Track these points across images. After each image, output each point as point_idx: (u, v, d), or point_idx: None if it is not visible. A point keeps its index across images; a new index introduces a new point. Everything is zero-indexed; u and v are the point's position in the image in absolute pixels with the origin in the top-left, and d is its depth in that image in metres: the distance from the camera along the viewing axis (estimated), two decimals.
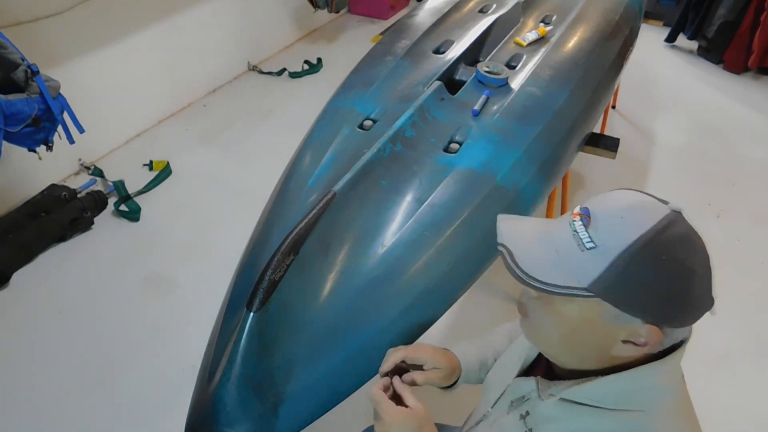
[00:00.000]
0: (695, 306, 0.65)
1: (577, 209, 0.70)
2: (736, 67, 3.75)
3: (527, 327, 0.77)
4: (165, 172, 2.67)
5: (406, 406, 0.84)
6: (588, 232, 0.66)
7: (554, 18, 2.01)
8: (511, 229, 0.75)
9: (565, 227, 0.69)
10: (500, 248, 0.72)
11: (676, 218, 0.66)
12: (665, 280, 0.63)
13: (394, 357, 0.93)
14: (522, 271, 0.68)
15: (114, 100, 2.74)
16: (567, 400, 0.71)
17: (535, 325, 0.75)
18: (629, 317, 0.65)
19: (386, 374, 0.92)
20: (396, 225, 1.20)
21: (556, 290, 0.66)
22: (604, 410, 0.68)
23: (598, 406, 0.68)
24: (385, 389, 0.88)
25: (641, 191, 0.71)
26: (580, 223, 0.68)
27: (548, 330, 0.73)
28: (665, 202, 0.68)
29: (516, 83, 1.62)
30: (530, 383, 0.78)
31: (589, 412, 0.68)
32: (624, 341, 0.67)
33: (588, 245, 0.66)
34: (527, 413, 0.75)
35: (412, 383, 0.92)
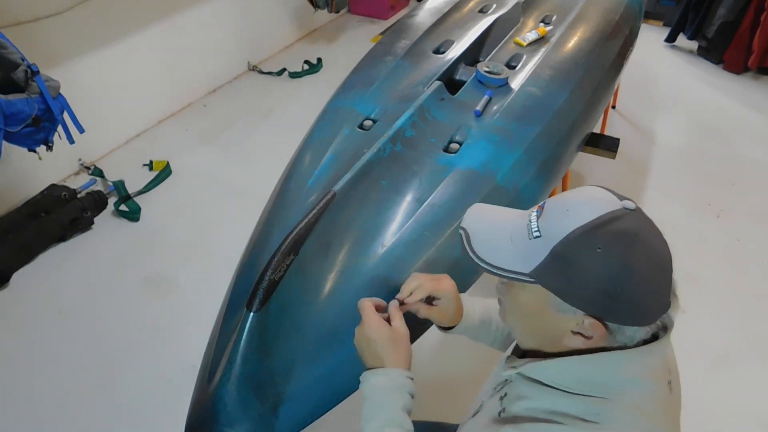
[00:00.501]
0: (638, 305, 0.67)
1: (541, 202, 0.75)
2: (736, 67, 3.75)
3: (501, 312, 0.84)
4: (165, 172, 2.67)
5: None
6: (538, 223, 0.71)
7: (554, 18, 2.01)
8: (477, 215, 0.81)
9: (524, 217, 0.75)
10: (460, 231, 0.79)
11: (624, 215, 0.67)
12: (599, 272, 0.65)
13: (418, 293, 0.96)
14: (474, 253, 0.75)
15: (114, 100, 2.74)
16: (537, 381, 0.74)
17: (503, 311, 0.82)
18: (571, 307, 0.68)
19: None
20: (396, 225, 1.20)
21: (503, 273, 0.72)
22: (568, 393, 0.71)
23: (561, 389, 0.71)
24: (378, 307, 0.93)
25: (606, 188, 0.73)
26: (535, 214, 0.73)
27: (511, 315, 0.80)
28: (623, 200, 0.70)
29: (516, 83, 1.62)
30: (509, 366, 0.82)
31: (555, 394, 0.72)
32: (573, 332, 0.70)
33: (535, 234, 0.71)
34: (506, 394, 0.79)
35: (416, 312, 0.97)
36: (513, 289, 0.76)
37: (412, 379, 0.87)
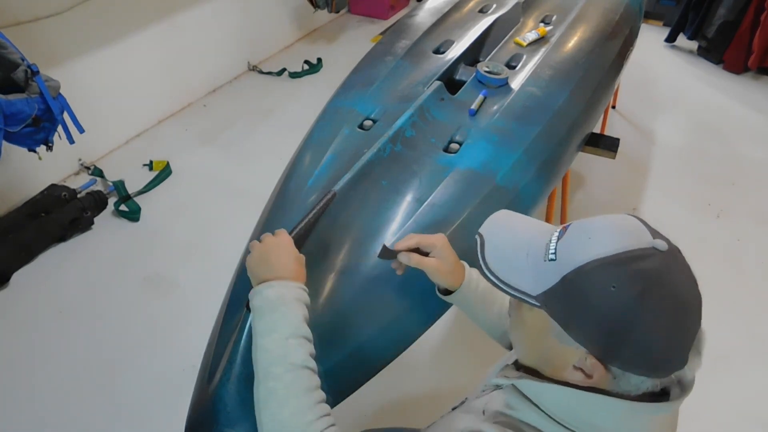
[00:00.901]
0: (645, 354, 0.62)
1: (568, 223, 0.71)
2: (736, 67, 3.75)
3: (508, 326, 0.80)
4: (165, 172, 2.67)
5: None
6: (557, 245, 0.67)
7: (554, 18, 2.01)
8: (498, 223, 0.77)
9: (546, 235, 0.70)
10: (477, 236, 0.76)
11: (651, 255, 0.61)
12: (608, 311, 0.61)
13: (405, 240, 0.96)
14: (485, 263, 0.72)
15: (114, 100, 2.74)
16: (525, 396, 0.71)
17: (510, 324, 0.79)
18: (573, 340, 0.64)
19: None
20: (396, 225, 1.20)
21: (509, 291, 0.69)
22: (550, 418, 0.68)
23: (552, 416, 0.68)
24: None
25: (642, 221, 0.67)
26: (557, 234, 0.68)
27: (516, 331, 0.77)
28: (657, 238, 0.64)
29: (516, 83, 1.62)
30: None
31: (544, 417, 0.69)
32: (575, 367, 0.66)
33: (551, 256, 0.66)
34: (493, 398, 0.76)
35: (409, 263, 0.96)
36: (522, 307, 0.72)
37: (306, 291, 0.86)
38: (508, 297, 1.00)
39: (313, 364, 0.79)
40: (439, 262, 0.95)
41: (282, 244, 0.89)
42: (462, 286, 0.98)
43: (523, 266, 0.69)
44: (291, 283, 0.83)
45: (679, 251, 0.64)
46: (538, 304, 0.66)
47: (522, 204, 1.37)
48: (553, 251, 0.66)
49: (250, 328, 0.98)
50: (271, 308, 0.80)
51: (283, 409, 0.74)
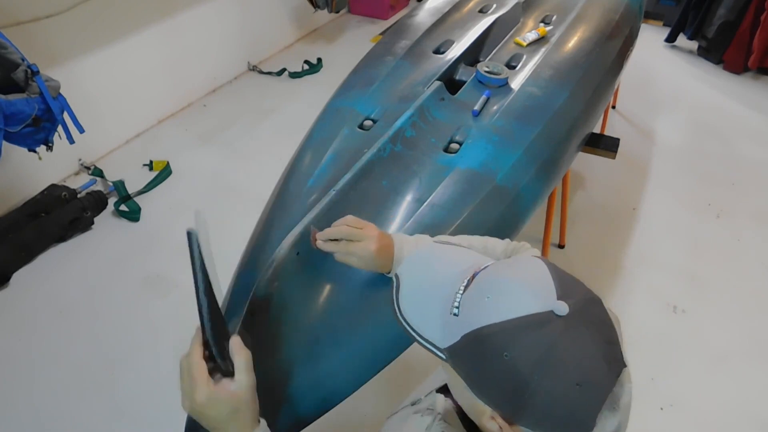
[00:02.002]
0: (546, 420, 0.57)
1: (477, 270, 0.65)
2: (736, 67, 3.75)
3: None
4: (165, 172, 2.67)
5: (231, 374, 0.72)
6: (461, 298, 0.63)
7: (554, 18, 2.01)
8: (415, 265, 0.72)
9: (459, 281, 0.65)
10: (394, 277, 0.71)
11: (548, 321, 0.57)
12: (503, 379, 0.58)
13: (329, 231, 0.95)
14: (399, 308, 0.68)
15: (114, 100, 2.74)
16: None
17: (442, 364, 0.73)
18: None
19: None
20: (396, 225, 1.20)
21: (420, 340, 0.65)
22: None
23: None
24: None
25: (551, 270, 0.62)
26: (464, 285, 0.64)
27: (445, 373, 0.71)
28: (562, 298, 0.58)
29: (516, 83, 1.62)
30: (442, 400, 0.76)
31: None
32: (491, 416, 0.62)
33: (454, 311, 0.63)
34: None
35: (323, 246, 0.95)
36: None
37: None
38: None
39: None
40: (358, 261, 0.93)
41: (231, 397, 0.71)
42: (394, 265, 0.95)
43: (434, 315, 0.64)
44: None
45: (586, 310, 0.58)
46: (445, 358, 0.63)
47: (522, 204, 1.37)
48: (457, 305, 0.63)
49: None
50: None
51: None
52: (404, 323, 0.67)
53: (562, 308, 0.57)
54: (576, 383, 0.56)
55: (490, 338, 0.58)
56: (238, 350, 0.74)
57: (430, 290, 0.67)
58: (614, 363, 0.58)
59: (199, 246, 0.73)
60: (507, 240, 1.01)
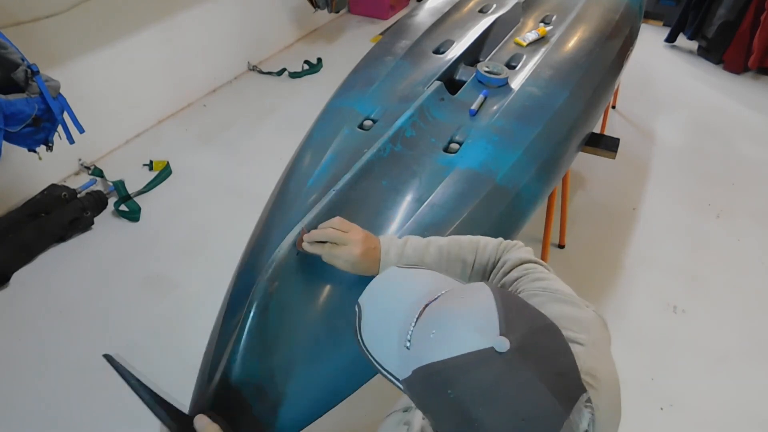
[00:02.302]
0: None
1: (428, 301, 0.64)
2: (736, 67, 3.75)
3: None
4: (165, 172, 2.67)
5: None
6: (413, 331, 0.62)
7: (554, 18, 2.01)
8: (375, 293, 0.71)
9: (415, 311, 0.64)
10: (356, 306, 0.70)
11: (488, 358, 0.56)
12: (448, 416, 0.58)
13: (314, 233, 0.98)
14: (362, 338, 0.67)
15: (114, 100, 2.74)
16: None
17: None
18: None
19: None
20: (396, 225, 1.21)
21: (382, 371, 0.65)
22: None
23: None
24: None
25: (499, 304, 0.60)
26: (416, 317, 0.63)
27: None
28: (504, 334, 0.56)
29: (516, 83, 1.62)
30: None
31: None
32: None
33: (407, 344, 0.62)
34: None
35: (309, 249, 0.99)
36: None
37: None
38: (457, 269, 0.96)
39: None
40: (345, 262, 0.95)
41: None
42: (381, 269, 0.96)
43: (392, 347, 0.63)
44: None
45: (531, 342, 0.57)
46: (403, 389, 0.63)
47: (522, 204, 1.37)
48: (409, 338, 0.62)
49: (250, 328, 0.98)
50: None
51: None
52: (367, 353, 0.66)
53: (503, 344, 0.55)
54: (521, 419, 0.55)
55: (435, 375, 0.58)
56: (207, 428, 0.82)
57: (388, 321, 0.65)
58: (566, 393, 0.56)
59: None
60: (500, 239, 1.00)
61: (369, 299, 0.70)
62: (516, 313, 0.59)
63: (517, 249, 0.96)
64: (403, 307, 0.65)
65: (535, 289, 0.83)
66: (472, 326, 0.58)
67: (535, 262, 0.91)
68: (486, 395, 0.55)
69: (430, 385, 0.58)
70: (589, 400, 0.59)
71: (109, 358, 0.75)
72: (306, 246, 1.00)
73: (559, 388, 0.56)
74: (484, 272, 0.96)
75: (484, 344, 0.56)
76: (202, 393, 1.01)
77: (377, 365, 0.65)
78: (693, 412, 1.79)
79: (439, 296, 0.64)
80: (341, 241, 0.96)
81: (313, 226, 1.05)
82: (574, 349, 0.72)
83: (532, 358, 0.56)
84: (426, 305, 0.63)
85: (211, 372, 1.02)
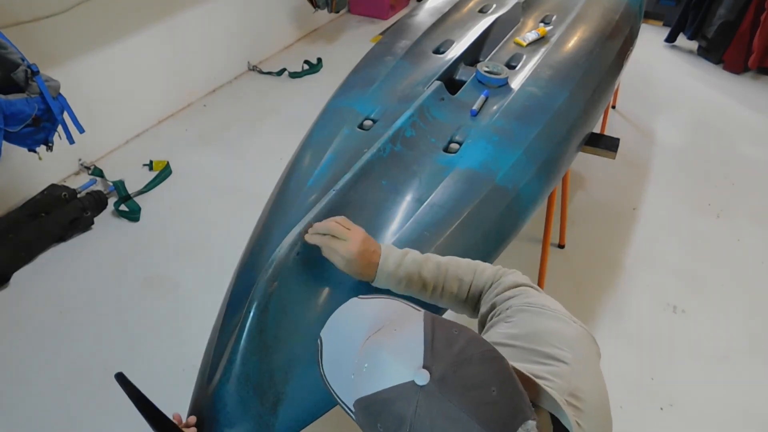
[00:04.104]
0: None
1: (379, 327, 0.64)
2: (736, 67, 3.75)
3: None
4: (165, 172, 2.67)
5: None
6: (356, 361, 0.62)
7: (554, 18, 2.01)
8: (334, 326, 0.70)
9: (361, 343, 0.64)
10: (318, 339, 0.71)
11: (407, 392, 0.56)
12: None
13: (317, 226, 1.01)
14: (322, 368, 0.68)
15: (114, 100, 2.74)
16: None
17: None
18: None
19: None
20: (396, 225, 1.21)
21: (340, 403, 0.65)
22: None
23: None
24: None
25: (427, 330, 0.60)
26: (360, 346, 0.63)
27: None
28: (426, 366, 0.56)
29: (516, 83, 1.62)
30: None
31: None
32: None
33: (351, 375, 0.62)
34: None
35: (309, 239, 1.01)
36: None
37: None
38: (456, 283, 0.98)
39: None
40: (341, 259, 0.96)
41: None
42: (378, 272, 0.97)
43: (345, 378, 0.64)
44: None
45: (456, 373, 0.56)
46: (356, 420, 0.63)
47: (522, 204, 1.37)
48: (353, 369, 0.62)
49: (250, 328, 0.98)
50: None
51: None
52: (328, 385, 0.66)
53: (422, 377, 0.55)
54: None
55: (368, 408, 0.58)
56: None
57: (342, 353, 0.65)
58: (500, 422, 0.55)
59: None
60: (498, 266, 1.02)
61: (328, 331, 0.70)
62: (444, 342, 0.59)
63: (513, 274, 0.98)
64: (354, 339, 0.64)
65: (522, 304, 0.84)
66: (396, 360, 0.58)
67: (529, 286, 0.93)
68: (407, 425, 0.55)
69: (366, 417, 0.59)
70: (536, 427, 0.58)
71: (120, 377, 0.76)
72: (308, 236, 1.02)
73: (490, 417, 0.55)
74: (480, 294, 0.98)
75: (406, 377, 0.56)
76: (202, 393, 1.01)
77: (336, 397, 0.65)
78: (693, 412, 1.79)
79: (381, 327, 0.63)
80: (341, 236, 0.97)
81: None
82: (558, 368, 0.73)
83: (456, 390, 0.55)
84: (368, 338, 0.63)
85: (211, 372, 1.02)
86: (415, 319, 0.63)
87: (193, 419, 0.96)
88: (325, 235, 1.00)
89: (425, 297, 0.99)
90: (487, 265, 1.01)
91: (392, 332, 0.62)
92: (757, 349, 1.99)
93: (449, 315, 1.03)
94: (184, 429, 0.94)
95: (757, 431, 1.76)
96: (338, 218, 1.02)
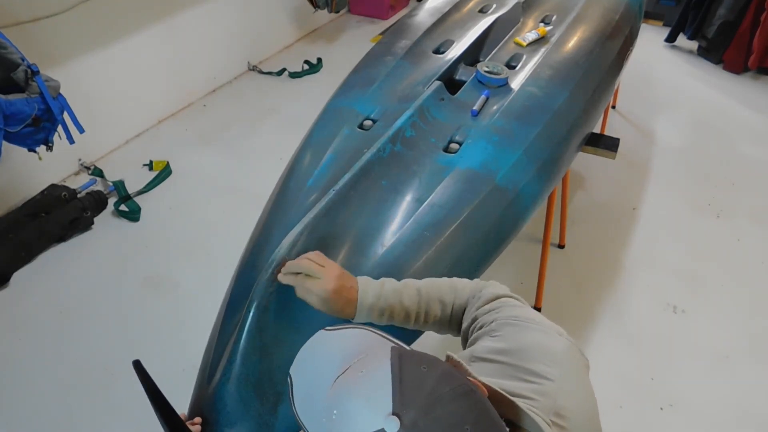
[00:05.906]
0: None
1: (346, 366, 0.61)
2: (736, 67, 3.75)
3: None
4: (165, 172, 2.67)
5: None
6: (326, 405, 0.59)
7: (554, 18, 2.01)
8: (303, 362, 0.67)
9: (329, 386, 0.61)
10: (288, 377, 0.67)
11: None
12: None
13: (290, 266, 0.95)
14: (295, 408, 0.65)
15: (114, 100, 2.74)
16: None
17: None
18: None
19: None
20: (396, 225, 1.20)
21: None
22: None
23: None
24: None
25: (395, 372, 0.58)
26: (329, 388, 0.60)
27: None
28: (396, 413, 0.54)
29: (516, 83, 1.62)
30: None
31: None
32: None
33: (324, 419, 0.59)
34: None
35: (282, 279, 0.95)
36: None
37: None
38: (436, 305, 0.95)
39: None
40: (316, 296, 0.90)
41: None
42: (357, 311, 0.92)
43: (319, 419, 0.60)
44: None
45: (428, 416, 0.54)
46: None
47: (521, 204, 1.37)
48: (325, 414, 0.59)
49: (250, 328, 0.98)
50: None
51: None
52: (302, 424, 0.63)
53: (393, 425, 0.53)
54: None
55: None
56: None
57: (313, 393, 0.62)
58: None
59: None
60: (476, 280, 1.00)
61: (297, 369, 0.66)
62: (414, 383, 0.56)
63: (492, 286, 0.96)
64: (323, 377, 0.62)
65: (507, 317, 0.83)
66: (365, 406, 0.56)
67: (509, 296, 0.91)
68: None
69: None
70: None
71: (138, 365, 0.74)
72: (281, 276, 0.96)
73: None
74: (463, 312, 0.96)
75: (376, 425, 0.54)
76: (202, 393, 1.01)
77: None
78: (693, 412, 1.79)
79: (348, 367, 0.61)
80: (315, 274, 0.91)
81: (291, 256, 1.02)
82: (543, 386, 0.72)
83: None
84: (336, 378, 0.60)
85: (211, 372, 1.02)
86: (381, 356, 0.60)
87: (198, 419, 0.96)
88: (298, 274, 0.93)
89: (409, 326, 0.96)
90: (465, 280, 1.00)
91: (358, 375, 0.59)
92: (757, 349, 1.99)
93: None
94: (190, 426, 0.93)
95: (757, 431, 1.76)
96: (311, 254, 0.95)
